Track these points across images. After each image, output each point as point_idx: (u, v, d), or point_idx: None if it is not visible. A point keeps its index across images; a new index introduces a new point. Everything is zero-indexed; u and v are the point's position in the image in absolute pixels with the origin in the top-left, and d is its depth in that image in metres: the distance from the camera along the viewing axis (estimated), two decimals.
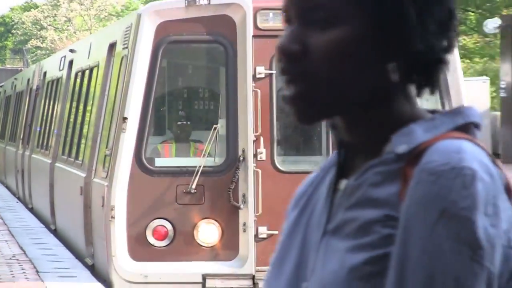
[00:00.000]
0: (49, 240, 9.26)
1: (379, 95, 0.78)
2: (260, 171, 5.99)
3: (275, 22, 6.22)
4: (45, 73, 11.94)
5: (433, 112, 0.81)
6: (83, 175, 8.15)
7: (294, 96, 0.76)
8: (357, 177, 0.78)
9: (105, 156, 6.79)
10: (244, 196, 6.03)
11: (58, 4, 29.59)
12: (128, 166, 6.00)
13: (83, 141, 8.84)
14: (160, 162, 6.24)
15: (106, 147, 6.83)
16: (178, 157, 6.50)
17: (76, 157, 9.09)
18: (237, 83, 6.12)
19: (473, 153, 0.73)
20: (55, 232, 9.96)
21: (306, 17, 0.76)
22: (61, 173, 9.68)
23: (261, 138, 6.05)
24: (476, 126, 0.79)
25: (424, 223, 0.70)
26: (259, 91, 6.06)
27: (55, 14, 30.79)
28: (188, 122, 6.60)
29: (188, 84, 6.88)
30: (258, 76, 6.12)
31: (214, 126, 6.11)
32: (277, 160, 6.16)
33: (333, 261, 0.77)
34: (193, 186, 5.99)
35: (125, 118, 6.09)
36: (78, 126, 9.25)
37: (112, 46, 7.64)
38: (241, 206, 5.99)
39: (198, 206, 6.09)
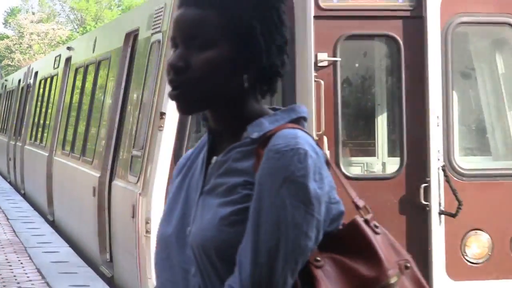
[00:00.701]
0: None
1: (236, 97, 1.25)
2: None
3: (340, 0, 5.27)
4: (36, 73, 12.81)
5: (274, 109, 1.29)
6: (96, 174, 7.27)
7: (178, 97, 1.23)
8: (224, 154, 1.25)
9: (133, 157, 5.85)
10: None
11: (23, 36, 43.94)
12: (166, 171, 5.02)
13: (92, 137, 8.10)
14: None
15: (133, 147, 5.94)
16: None
17: (83, 154, 8.40)
18: (296, 73, 5.13)
19: (304, 138, 1.19)
20: (52, 223, 9.58)
21: (188, 43, 1.23)
22: (63, 169, 9.26)
23: (324, 138, 5.09)
24: (305, 119, 1.27)
25: (272, 186, 1.15)
26: (322, 82, 5.10)
27: (20, 42, 44.83)
28: None
29: None
30: (320, 64, 5.14)
31: None
32: (343, 163, 5.22)
33: (209, 213, 1.23)
34: None
35: (162, 114, 5.07)
36: (84, 121, 8.70)
37: (129, 35, 6.96)
38: None
39: None
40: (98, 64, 8.16)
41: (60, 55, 10.78)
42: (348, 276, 1.20)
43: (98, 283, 6.64)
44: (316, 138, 5.06)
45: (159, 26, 5.70)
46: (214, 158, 1.28)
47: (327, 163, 1.22)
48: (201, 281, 1.23)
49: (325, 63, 5.14)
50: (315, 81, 5.05)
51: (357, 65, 5.71)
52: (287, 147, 1.17)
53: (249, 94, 1.26)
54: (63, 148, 9.37)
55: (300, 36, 5.09)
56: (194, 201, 1.28)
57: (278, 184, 1.16)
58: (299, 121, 1.26)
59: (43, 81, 11.71)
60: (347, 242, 1.23)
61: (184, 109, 1.27)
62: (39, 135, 11.43)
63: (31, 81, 13.10)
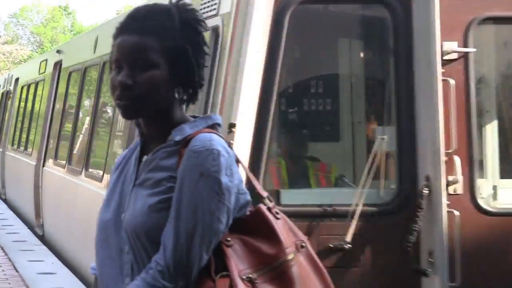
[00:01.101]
0: None
1: (166, 107, 1.60)
2: (457, 213, 3.61)
3: None
4: (16, 79, 12.56)
5: (194, 117, 1.64)
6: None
7: (126, 107, 1.58)
8: (152, 154, 1.61)
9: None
10: (431, 254, 3.63)
11: None
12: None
13: (100, 148, 6.72)
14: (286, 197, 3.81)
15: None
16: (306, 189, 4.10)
17: (86, 167, 6.63)
18: (415, 68, 3.73)
19: (217, 141, 1.53)
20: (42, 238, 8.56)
21: (133, 64, 1.55)
22: (62, 184, 7.58)
23: (456, 159, 3.66)
24: (219, 125, 1.62)
25: (191, 180, 1.50)
26: (451, 81, 3.68)
27: None
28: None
29: (330, 70, 4.36)
30: (446, 57, 3.73)
31: (379, 137, 3.72)
32: (481, 193, 3.77)
33: (140, 202, 1.56)
34: (348, 238, 3.60)
35: (232, 125, 3.62)
36: (81, 129, 7.79)
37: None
38: (427, 271, 3.61)
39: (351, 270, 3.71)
40: (103, 65, 6.80)
41: (46, 60, 9.90)
42: (252, 253, 1.55)
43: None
44: (444, 159, 3.64)
45: (216, 7, 4.18)
46: (145, 157, 1.65)
47: (237, 161, 1.59)
48: (133, 258, 1.59)
49: (454, 56, 3.72)
50: (442, 79, 3.64)
51: (496, 58, 4.25)
52: (203, 148, 1.53)
53: (176, 104, 1.63)
54: (55, 157, 8.30)
55: (420, 19, 3.70)
56: (128, 192, 1.64)
57: (195, 178, 1.52)
58: (214, 126, 1.63)
59: (26, 87, 11.28)
60: (253, 225, 1.58)
61: (128, 116, 1.63)
62: (20, 140, 11.49)
63: (11, 87, 12.76)
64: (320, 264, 1.63)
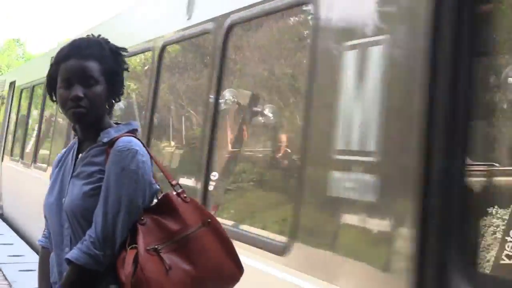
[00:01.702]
0: None
1: (101, 115, 2.11)
2: None
3: None
4: (11, 83, 12.75)
5: (117, 123, 2.14)
6: None
7: (80, 115, 2.05)
8: (86, 152, 2.10)
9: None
10: None
11: None
12: None
13: (45, 147, 8.27)
14: None
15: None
16: None
17: (34, 161, 8.15)
18: None
19: (135, 143, 2.01)
20: None
21: (82, 82, 2.03)
22: (17, 175, 9.49)
23: None
24: (137, 130, 2.11)
25: (115, 173, 1.98)
26: None
27: None
28: None
29: None
30: None
31: None
32: None
33: (76, 189, 2.05)
34: None
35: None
36: (31, 133, 9.43)
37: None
38: None
39: None
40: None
41: (5, 80, 12.51)
42: (160, 229, 2.02)
43: None
44: None
45: None
46: (80, 155, 2.16)
47: (151, 157, 2.10)
48: (71, 232, 2.10)
49: None
50: None
51: None
52: (125, 148, 2.03)
53: (105, 112, 2.14)
54: None
55: None
56: (67, 181, 2.15)
57: (119, 172, 2.02)
58: (134, 131, 2.15)
59: (23, 91, 13.30)
60: (162, 207, 2.06)
61: (80, 121, 2.13)
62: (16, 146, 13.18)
63: (4, 92, 14.99)
64: (226, 236, 2.09)
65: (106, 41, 2.20)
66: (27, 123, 9.35)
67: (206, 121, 3.61)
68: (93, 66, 2.09)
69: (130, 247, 1.99)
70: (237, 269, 2.08)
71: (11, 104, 10.84)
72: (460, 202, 2.03)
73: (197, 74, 4.56)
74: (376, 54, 2.34)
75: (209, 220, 2.07)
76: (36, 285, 2.30)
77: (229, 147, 3.89)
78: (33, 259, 6.46)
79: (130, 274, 1.95)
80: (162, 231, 2.03)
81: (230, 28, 3.47)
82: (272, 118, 3.63)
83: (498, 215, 2.15)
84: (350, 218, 2.42)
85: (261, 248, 2.84)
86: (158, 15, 4.91)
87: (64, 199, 2.14)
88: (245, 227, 3.26)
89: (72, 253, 2.03)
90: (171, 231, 2.03)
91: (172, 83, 4.88)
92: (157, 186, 2.12)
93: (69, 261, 2.03)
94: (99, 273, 2.03)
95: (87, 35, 2.23)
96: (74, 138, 2.26)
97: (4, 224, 8.97)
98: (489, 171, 2.25)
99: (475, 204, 2.22)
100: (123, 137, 2.08)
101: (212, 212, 2.81)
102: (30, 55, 58.13)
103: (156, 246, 2.00)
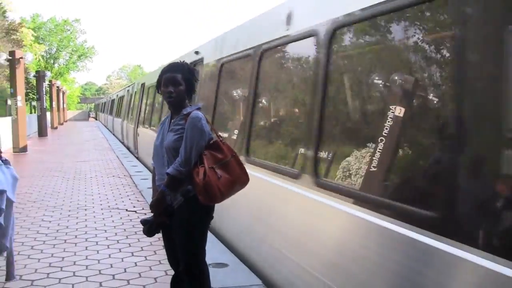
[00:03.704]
0: None
1: (183, 101, 4.00)
2: None
3: None
4: (143, 84, 18.16)
5: (191, 105, 4.02)
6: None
7: (172, 101, 3.98)
8: (175, 119, 3.98)
9: None
10: None
11: None
12: None
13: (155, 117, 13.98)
14: None
15: None
16: None
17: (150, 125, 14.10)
18: None
19: (201, 114, 3.89)
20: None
21: (173, 84, 3.95)
22: (144, 132, 15.45)
23: None
24: (200, 108, 4.00)
25: (191, 128, 3.82)
26: None
27: None
28: None
29: None
30: None
31: None
32: None
33: (170, 137, 3.92)
34: None
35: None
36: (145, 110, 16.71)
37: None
38: None
39: None
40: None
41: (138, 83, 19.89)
42: (213, 157, 3.82)
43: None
44: None
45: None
46: (172, 120, 4.01)
47: (208, 122, 3.91)
48: (168, 159, 3.91)
49: None
50: None
51: None
52: (195, 116, 3.84)
53: (185, 100, 4.00)
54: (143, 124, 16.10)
55: None
56: (165, 133, 3.98)
57: (192, 127, 3.81)
58: (199, 108, 3.97)
59: (147, 88, 17.10)
60: (214, 146, 3.86)
61: (173, 105, 3.98)
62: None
63: (136, 89, 20.59)
64: (242, 163, 3.94)
65: (186, 63, 4.03)
66: (148, 106, 15.68)
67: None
68: (179, 76, 3.93)
69: (200, 166, 3.77)
70: (247, 178, 3.92)
71: (141, 96, 17.53)
72: None
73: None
74: None
75: (234, 154, 3.91)
76: (151, 186, 4.45)
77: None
78: (148, 174, 12.27)
79: (201, 178, 3.73)
80: (214, 158, 3.82)
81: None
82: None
83: None
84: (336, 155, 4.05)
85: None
86: None
87: (164, 142, 3.95)
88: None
89: (169, 169, 3.83)
90: (219, 158, 3.83)
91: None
92: (211, 135, 3.89)
93: (167, 174, 3.81)
94: (183, 180, 3.82)
95: (179, 60, 4.17)
96: (167, 113, 4.11)
97: (138, 162, 15.17)
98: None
99: None
100: (194, 111, 3.89)
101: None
102: (146, 72, 75.21)
103: (213, 166, 3.79)
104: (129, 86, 24.56)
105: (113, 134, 28.73)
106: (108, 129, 34.99)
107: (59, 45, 66.92)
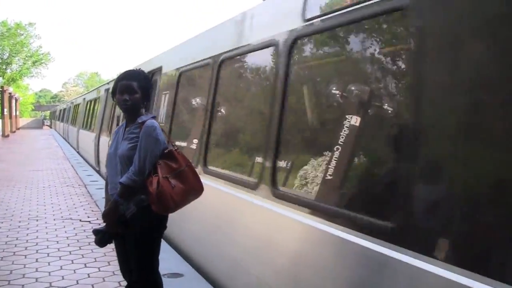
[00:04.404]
0: None
1: (139, 109, 3.97)
2: None
3: None
4: (107, 89, 16.81)
5: (146, 114, 4.01)
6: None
7: (128, 108, 3.95)
8: (130, 127, 3.94)
9: None
10: None
11: None
12: None
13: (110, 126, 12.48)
14: None
15: None
16: None
17: (108, 133, 12.57)
18: None
19: (156, 123, 3.87)
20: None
21: (129, 92, 3.92)
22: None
23: None
24: (155, 117, 4.02)
25: (145, 137, 3.78)
26: None
27: None
28: None
29: None
30: None
31: None
32: None
33: (124, 146, 3.86)
34: None
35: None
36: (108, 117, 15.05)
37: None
38: None
39: None
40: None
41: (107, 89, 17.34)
42: (168, 166, 3.80)
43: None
44: None
45: None
46: (127, 129, 3.97)
47: (163, 131, 3.92)
48: (121, 168, 3.84)
49: None
50: None
51: None
52: (150, 125, 3.82)
53: (141, 108, 3.97)
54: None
55: None
56: (120, 142, 3.94)
57: (147, 136, 3.79)
58: (154, 117, 4.00)
59: (88, 102, 18.73)
60: (168, 155, 3.85)
61: (128, 112, 3.97)
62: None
63: (82, 101, 21.55)
64: (197, 172, 3.93)
65: (142, 71, 4.02)
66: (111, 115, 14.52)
67: None
68: (134, 84, 3.89)
69: (154, 175, 3.72)
70: (202, 188, 3.90)
71: (105, 102, 16.12)
72: None
73: None
74: None
75: (189, 163, 3.90)
76: (104, 195, 4.30)
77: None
78: (103, 183, 11.64)
79: (155, 188, 3.67)
80: (169, 168, 3.78)
81: None
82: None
83: None
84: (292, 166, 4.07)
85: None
86: None
87: (118, 150, 3.89)
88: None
89: (122, 179, 3.76)
90: (173, 168, 3.80)
91: None
92: (166, 145, 3.88)
93: (120, 183, 3.69)
94: (136, 189, 3.74)
95: (135, 67, 4.23)
96: (123, 120, 4.10)
97: (94, 171, 14.87)
98: None
99: None
100: (149, 120, 3.87)
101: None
102: (104, 80, 77.11)
103: (167, 175, 3.74)
104: (88, 92, 22.95)
105: (73, 146, 26.59)
106: (65, 138, 33.03)
107: (11, 50, 65.04)
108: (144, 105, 3.96)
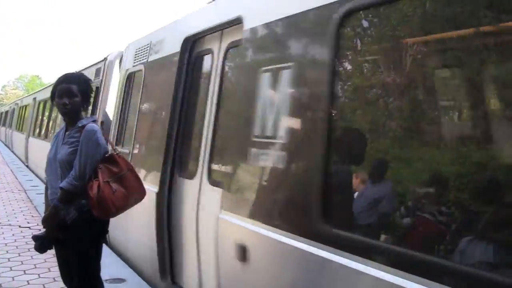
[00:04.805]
0: None
1: (78, 112, 3.96)
2: None
3: None
4: (17, 104, 20.65)
5: (87, 117, 4.01)
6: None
7: (68, 112, 3.92)
8: (70, 131, 3.92)
9: None
10: None
11: None
12: None
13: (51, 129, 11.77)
14: None
15: None
16: None
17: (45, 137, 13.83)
18: None
19: (96, 126, 3.88)
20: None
21: (68, 95, 3.89)
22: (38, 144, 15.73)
23: None
24: (95, 120, 4.01)
25: (86, 142, 3.78)
26: None
27: None
28: None
29: None
30: None
31: None
32: None
33: (64, 150, 3.84)
34: None
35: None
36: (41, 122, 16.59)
37: None
38: None
39: None
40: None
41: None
42: (109, 171, 3.81)
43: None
44: None
45: None
46: (67, 133, 3.95)
47: (103, 134, 3.90)
48: (61, 173, 3.81)
49: None
50: None
51: None
52: (90, 129, 3.83)
53: (80, 111, 3.97)
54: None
55: None
56: (60, 146, 3.90)
57: (87, 141, 3.79)
58: (95, 121, 3.97)
59: (41, 103, 17.60)
60: (109, 159, 3.86)
61: (68, 116, 3.93)
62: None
63: (32, 102, 20.35)
64: (139, 176, 3.98)
65: (82, 74, 4.04)
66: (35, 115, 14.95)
67: None
68: (74, 87, 3.87)
69: (94, 180, 3.73)
70: (144, 192, 3.96)
71: (37, 109, 17.56)
72: None
73: None
74: None
75: (131, 167, 3.94)
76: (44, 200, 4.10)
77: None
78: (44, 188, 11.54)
79: (95, 192, 3.68)
80: (110, 172, 3.80)
81: None
82: None
83: None
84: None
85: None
86: None
87: (58, 155, 3.87)
88: None
89: (62, 184, 3.74)
90: (114, 172, 3.82)
91: None
92: (107, 149, 3.90)
93: (61, 188, 3.68)
94: (77, 194, 3.74)
95: (76, 71, 4.19)
96: (63, 124, 4.05)
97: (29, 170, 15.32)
98: None
99: None
100: (90, 124, 3.87)
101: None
102: (45, 84, 76.79)
103: (108, 180, 3.76)
104: (41, 90, 19.52)
105: (20, 158, 20.92)
106: (7, 146, 27.69)
107: None
108: (85, 108, 3.95)
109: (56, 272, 5.72)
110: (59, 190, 3.74)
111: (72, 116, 3.89)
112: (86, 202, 3.71)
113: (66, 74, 3.99)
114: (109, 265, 5.72)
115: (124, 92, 6.90)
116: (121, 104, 6.94)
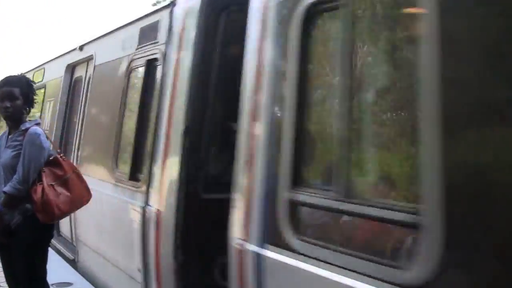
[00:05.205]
0: None
1: (21, 115, 3.98)
2: None
3: None
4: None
5: (30, 120, 4.07)
6: None
7: (9, 115, 3.96)
8: (13, 135, 3.92)
9: None
10: None
11: None
12: None
13: None
14: None
15: None
16: None
17: None
18: None
19: (40, 130, 3.91)
20: None
21: (10, 98, 3.91)
22: None
23: None
24: (39, 124, 4.10)
25: (29, 145, 3.79)
26: None
27: None
28: None
29: None
30: None
31: None
32: None
33: (7, 154, 3.87)
34: None
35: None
36: None
37: None
38: None
39: None
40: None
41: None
42: (53, 174, 3.82)
43: None
44: None
45: None
46: (10, 136, 3.96)
47: (47, 137, 3.97)
48: (5, 177, 3.82)
49: None
50: None
51: None
52: (34, 132, 3.83)
53: (23, 114, 3.98)
54: None
55: None
56: (2, 150, 3.93)
57: (30, 144, 3.79)
58: (38, 124, 4.05)
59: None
60: (54, 162, 3.88)
61: (10, 119, 3.98)
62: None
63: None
64: (83, 178, 3.99)
65: (24, 77, 4.09)
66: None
67: None
68: (16, 90, 3.86)
69: (38, 183, 3.71)
70: (89, 194, 3.95)
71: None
72: None
73: None
74: None
75: (75, 170, 3.97)
76: None
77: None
78: None
79: (39, 196, 3.67)
80: (54, 175, 3.79)
81: None
82: None
83: None
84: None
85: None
86: None
87: (1, 159, 3.88)
88: None
89: (6, 188, 3.74)
90: (59, 175, 3.81)
91: None
92: (51, 152, 3.92)
93: (4, 192, 3.73)
94: (21, 198, 3.73)
95: (20, 73, 4.22)
96: (7, 127, 4.07)
97: None
98: None
99: None
100: (33, 127, 3.86)
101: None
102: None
103: (52, 183, 3.75)
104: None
105: None
106: None
107: None
108: (27, 111, 3.92)
109: (0, 277, 5.64)
110: (2, 195, 3.73)
111: (14, 120, 3.88)
112: (31, 206, 3.71)
113: (7, 77, 3.97)
114: (55, 269, 5.69)
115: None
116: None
